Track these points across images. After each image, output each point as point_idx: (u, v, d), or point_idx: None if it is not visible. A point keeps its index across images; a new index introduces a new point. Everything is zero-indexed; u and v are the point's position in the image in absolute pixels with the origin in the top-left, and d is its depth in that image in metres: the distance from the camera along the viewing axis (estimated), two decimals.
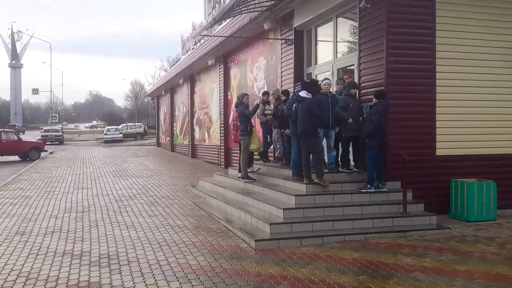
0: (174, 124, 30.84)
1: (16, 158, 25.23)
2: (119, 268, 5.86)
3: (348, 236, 7.07)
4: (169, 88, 30.95)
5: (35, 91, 60.06)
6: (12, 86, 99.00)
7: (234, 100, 16.58)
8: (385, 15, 8.49)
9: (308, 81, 9.64)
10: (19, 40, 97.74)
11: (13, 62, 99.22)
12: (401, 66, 8.56)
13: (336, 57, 10.62)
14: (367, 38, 8.97)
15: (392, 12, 8.53)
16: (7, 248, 6.99)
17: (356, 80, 9.31)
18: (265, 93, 11.24)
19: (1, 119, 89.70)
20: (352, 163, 8.98)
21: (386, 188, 8.15)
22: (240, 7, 10.56)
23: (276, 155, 11.17)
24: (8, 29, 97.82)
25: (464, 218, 8.31)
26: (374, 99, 8.18)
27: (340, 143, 8.97)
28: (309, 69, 11.76)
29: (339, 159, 9.01)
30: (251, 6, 11.07)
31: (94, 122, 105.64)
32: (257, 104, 10.35)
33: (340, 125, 8.64)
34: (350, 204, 7.91)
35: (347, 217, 7.59)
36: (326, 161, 8.96)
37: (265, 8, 11.59)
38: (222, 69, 18.71)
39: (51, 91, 62.93)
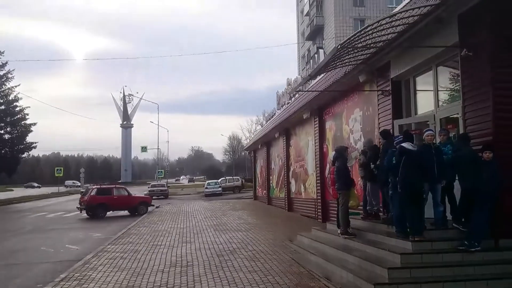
0: (270, 177, 31.24)
1: (125, 212, 27.00)
2: None
3: None
4: (265, 141, 31.68)
5: (144, 149, 64.14)
6: (123, 145, 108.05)
7: (330, 152, 16.50)
8: (489, 63, 8.11)
9: (404, 131, 9.38)
10: (129, 103, 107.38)
11: (125, 122, 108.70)
12: (510, 115, 8.00)
13: (438, 106, 10.22)
14: (471, 87, 8.55)
15: (496, 59, 8.11)
16: None
17: (461, 130, 8.83)
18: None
19: (113, 175, 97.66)
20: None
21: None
22: (335, 62, 10.69)
23: (367, 210, 10.67)
24: (120, 92, 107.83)
25: None
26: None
27: (449, 196, 8.43)
28: (408, 119, 11.41)
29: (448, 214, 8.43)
30: (346, 61, 11.16)
31: (182, 177, 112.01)
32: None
33: (460, 178, 8.06)
34: (461, 264, 7.33)
35: (458, 278, 7.02)
36: (433, 216, 8.45)
37: (360, 61, 11.63)
38: (317, 122, 18.82)
39: (158, 149, 67.33)
